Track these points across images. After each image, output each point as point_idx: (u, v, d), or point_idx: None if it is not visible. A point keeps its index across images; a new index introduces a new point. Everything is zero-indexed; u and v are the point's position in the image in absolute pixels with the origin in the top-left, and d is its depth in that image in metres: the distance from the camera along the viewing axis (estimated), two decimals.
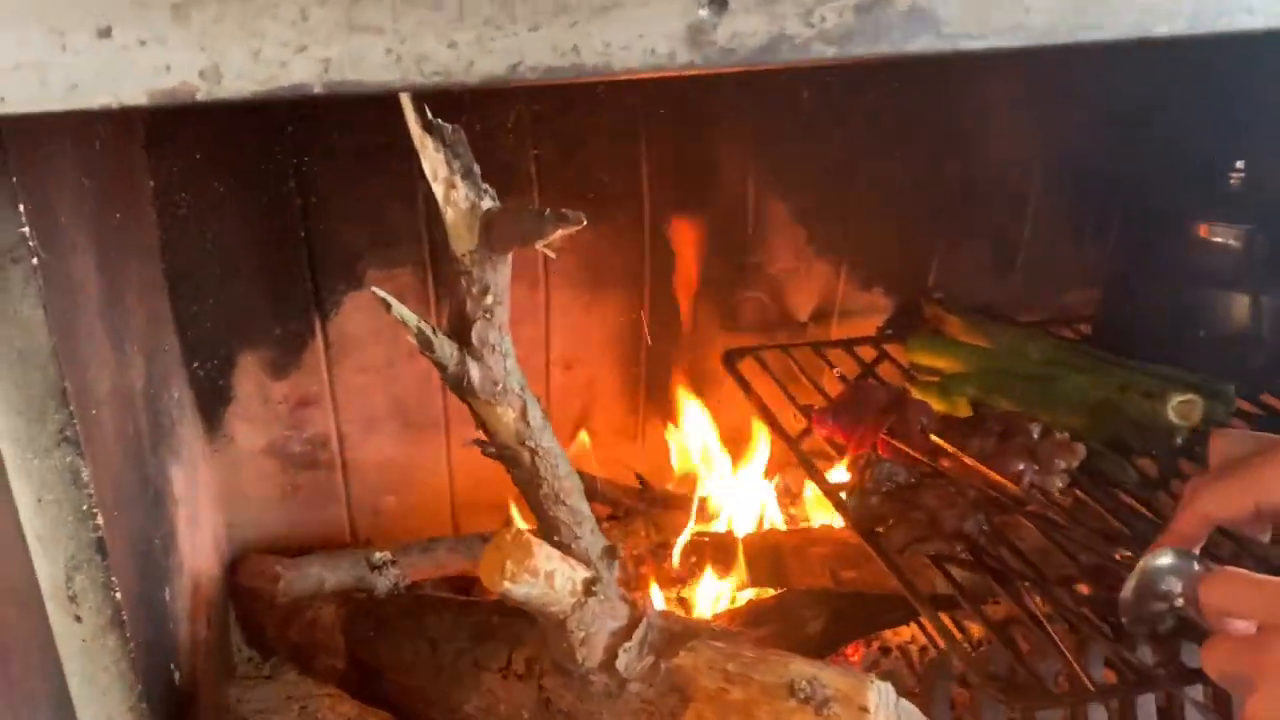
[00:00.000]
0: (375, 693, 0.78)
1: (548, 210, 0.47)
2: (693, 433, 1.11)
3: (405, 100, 0.45)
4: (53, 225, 0.56)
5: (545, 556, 0.50)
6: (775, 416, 1.00)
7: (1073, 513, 0.80)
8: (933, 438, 0.85)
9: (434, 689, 0.69)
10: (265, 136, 0.89)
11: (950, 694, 0.81)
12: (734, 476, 1.10)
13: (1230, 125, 1.01)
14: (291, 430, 1.00)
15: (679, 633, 0.60)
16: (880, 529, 0.80)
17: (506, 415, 0.51)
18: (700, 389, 1.12)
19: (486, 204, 0.48)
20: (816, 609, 0.91)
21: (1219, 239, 0.98)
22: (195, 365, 0.94)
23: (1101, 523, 0.81)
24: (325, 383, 0.99)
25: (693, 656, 0.59)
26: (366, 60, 0.38)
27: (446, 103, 0.49)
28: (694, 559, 0.98)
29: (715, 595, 0.98)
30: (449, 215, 0.48)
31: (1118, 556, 0.71)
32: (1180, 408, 0.89)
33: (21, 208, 0.47)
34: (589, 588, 0.53)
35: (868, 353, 1.10)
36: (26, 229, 0.48)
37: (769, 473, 1.11)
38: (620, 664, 0.58)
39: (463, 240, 0.48)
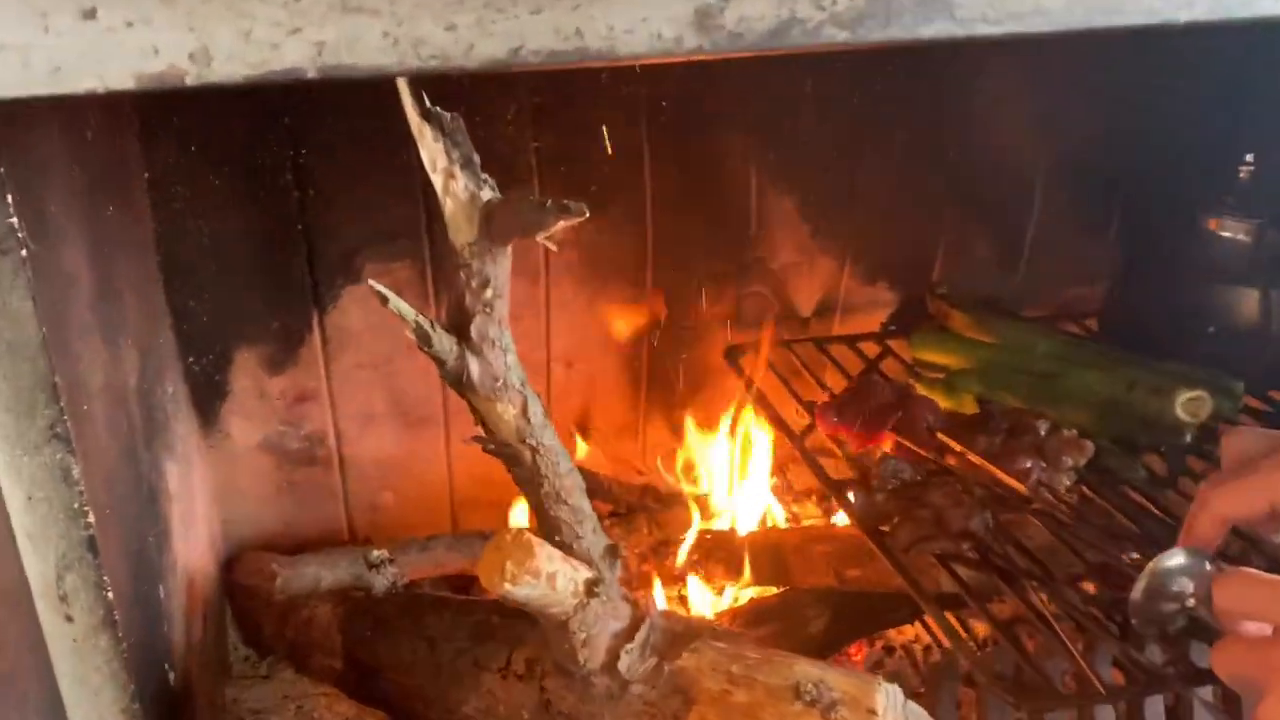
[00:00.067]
0: (373, 692, 0.77)
1: (549, 201, 0.45)
2: (695, 430, 1.10)
3: (403, 86, 0.44)
4: (42, 216, 0.54)
5: (546, 557, 0.48)
6: (778, 412, 0.99)
7: (1080, 511, 0.80)
8: (939, 435, 0.84)
9: (432, 689, 0.68)
10: (262, 128, 0.88)
11: (956, 694, 0.80)
12: (736, 474, 1.09)
13: (1240, 117, 1.00)
14: (288, 426, 0.99)
15: (682, 633, 0.59)
16: (886, 527, 0.79)
17: (507, 412, 0.50)
18: (703, 385, 1.11)
19: (486, 195, 0.47)
20: (819, 608, 0.90)
21: (1228, 233, 0.97)
22: (191, 360, 0.93)
23: (1109, 521, 0.80)
24: (323, 378, 0.98)
25: (696, 658, 0.57)
26: (362, 43, 0.37)
27: (445, 92, 0.48)
28: (696, 557, 0.97)
29: (717, 594, 0.97)
30: (448, 206, 0.47)
31: (1127, 559, 0.70)
32: (1189, 404, 0.88)
33: (10, 198, 0.46)
34: (591, 589, 0.52)
35: (871, 348, 1.09)
36: (15, 219, 0.46)
37: (772, 470, 1.10)
38: (622, 665, 0.56)
39: (462, 232, 0.47)
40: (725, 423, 1.10)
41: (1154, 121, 1.04)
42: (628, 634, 0.57)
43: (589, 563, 0.54)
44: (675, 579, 0.99)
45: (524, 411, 0.51)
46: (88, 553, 0.56)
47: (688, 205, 1.03)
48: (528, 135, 0.95)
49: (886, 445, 0.87)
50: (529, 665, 0.61)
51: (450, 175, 0.46)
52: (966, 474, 0.80)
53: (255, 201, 0.90)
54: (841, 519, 1.06)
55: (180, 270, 0.89)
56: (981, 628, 0.82)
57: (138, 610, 0.66)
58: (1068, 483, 0.82)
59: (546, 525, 0.54)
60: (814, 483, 1.04)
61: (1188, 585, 0.58)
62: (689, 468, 1.10)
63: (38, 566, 0.55)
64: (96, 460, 0.60)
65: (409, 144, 0.47)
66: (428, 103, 0.46)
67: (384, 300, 0.46)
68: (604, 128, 0.97)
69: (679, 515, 1.01)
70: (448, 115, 0.46)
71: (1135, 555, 0.67)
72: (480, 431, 0.54)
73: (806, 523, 1.09)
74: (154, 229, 0.87)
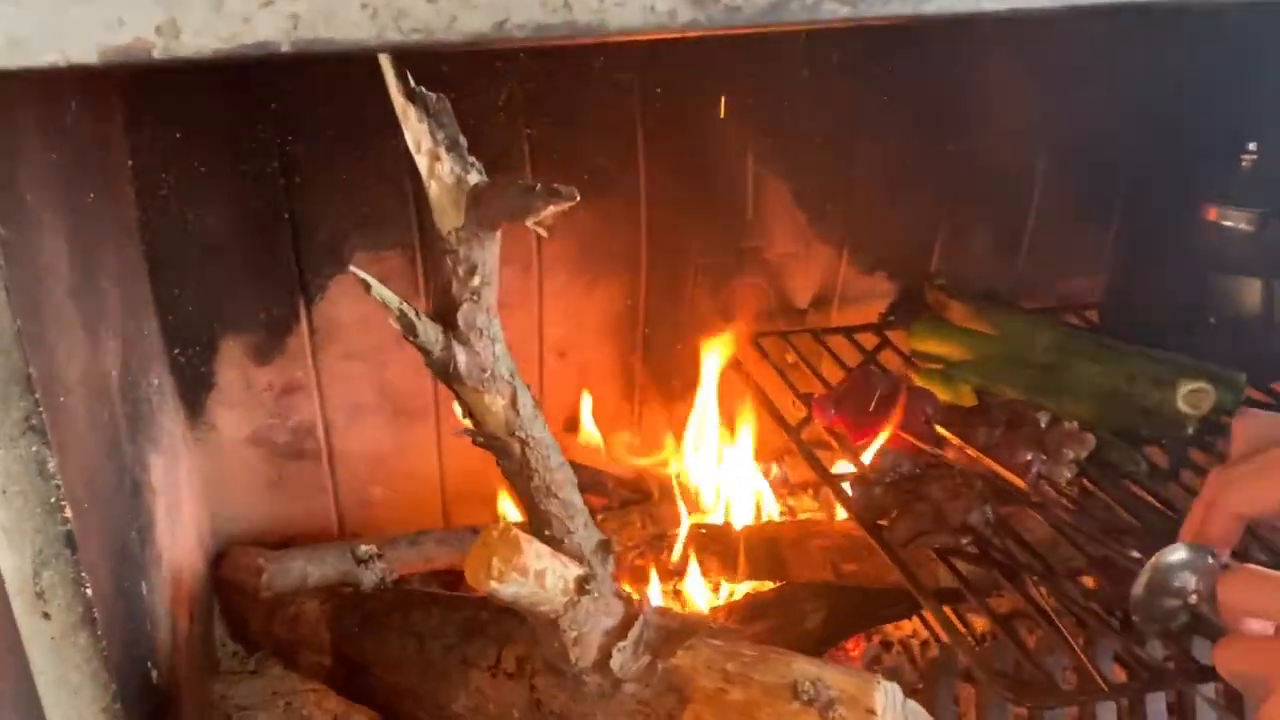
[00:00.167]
0: (361, 690, 0.76)
1: (538, 185, 0.44)
2: (690, 422, 1.09)
3: (386, 64, 0.42)
4: (16, 201, 0.53)
5: (535, 554, 0.47)
6: (775, 405, 0.97)
7: (1081, 504, 0.78)
8: (937, 428, 0.83)
9: (421, 687, 0.67)
10: (248, 114, 0.86)
11: (955, 690, 0.79)
12: (732, 467, 1.07)
13: (1242, 105, 0.98)
14: (276, 418, 0.97)
15: (676, 630, 0.58)
16: (884, 521, 0.78)
17: (495, 403, 0.48)
18: (697, 377, 1.09)
19: (474, 178, 0.46)
20: (816, 602, 0.89)
21: (1230, 222, 0.96)
22: (176, 351, 0.92)
23: (1110, 514, 0.79)
24: (311, 369, 0.96)
25: (691, 655, 0.56)
26: (339, 16, 0.35)
27: (435, 77, 0.46)
28: (691, 551, 0.96)
29: (712, 588, 0.96)
30: (433, 190, 0.45)
31: (1129, 554, 0.69)
32: (1191, 396, 0.87)
33: None
34: (582, 586, 0.51)
35: (869, 340, 1.08)
36: None
37: (768, 463, 1.09)
38: (615, 664, 0.55)
39: (448, 217, 0.45)
40: (722, 414, 1.09)
41: (1155, 110, 1.03)
42: (620, 631, 0.56)
43: (580, 559, 0.53)
44: (670, 574, 0.97)
45: (513, 403, 0.49)
46: (65, 548, 0.54)
47: (683, 193, 1.01)
48: (520, 123, 0.93)
49: (884, 438, 0.86)
50: (519, 663, 0.60)
51: (435, 157, 0.44)
52: (966, 467, 0.79)
53: (241, 189, 0.89)
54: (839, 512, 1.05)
55: (165, 259, 0.88)
56: (981, 623, 0.80)
57: (119, 606, 0.64)
58: (1068, 476, 0.81)
59: (536, 520, 0.53)
60: (811, 475, 1.03)
61: (1190, 581, 0.57)
62: (684, 461, 1.09)
63: (13, 562, 0.53)
64: (75, 453, 0.59)
65: (398, 130, 0.46)
66: (412, 82, 0.44)
67: (366, 287, 0.44)
68: (597, 115, 0.95)
69: (673, 509, 0.99)
70: (433, 96, 0.44)
71: (1136, 554, 0.66)
72: (469, 424, 0.52)
73: (803, 516, 1.08)
74: (139, 217, 0.86)
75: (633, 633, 0.56)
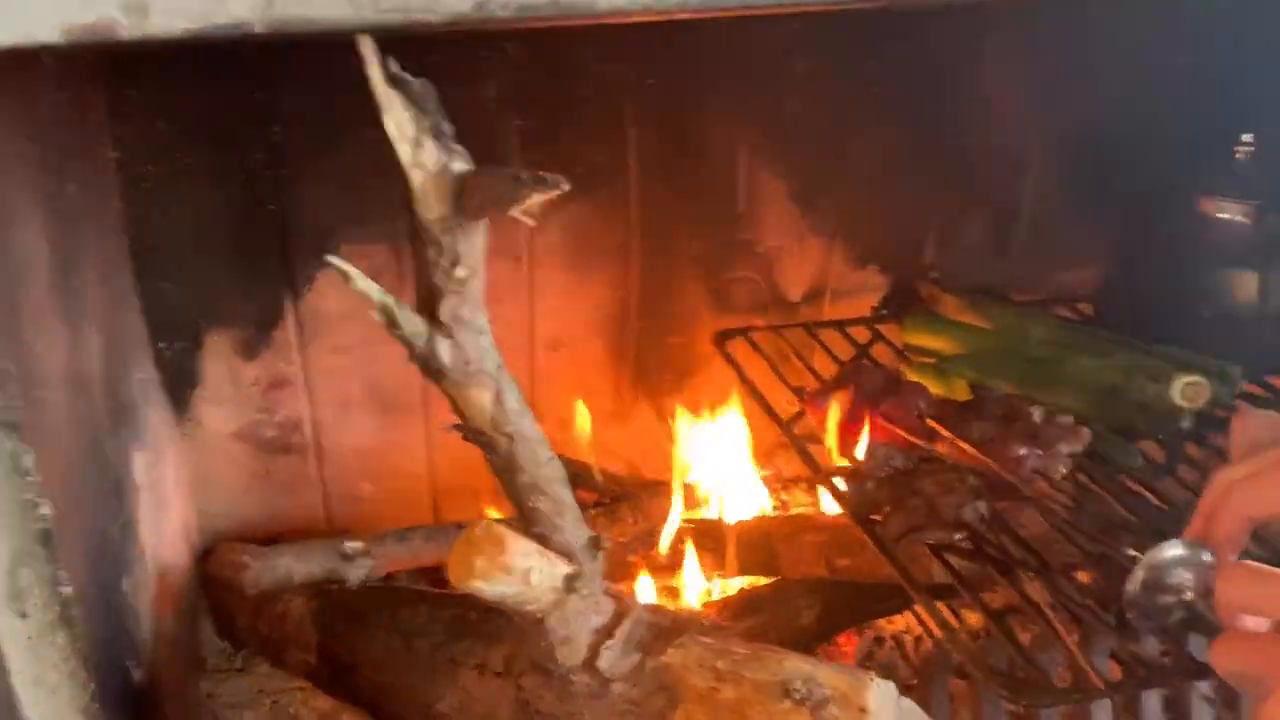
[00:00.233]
0: (348, 688, 0.75)
1: (524, 173, 0.43)
2: (682, 416, 1.08)
3: (366, 47, 0.41)
4: None
5: (521, 552, 0.46)
6: (767, 399, 0.96)
7: (1076, 499, 0.78)
8: (931, 422, 0.82)
9: (407, 686, 0.66)
10: (233, 106, 0.85)
11: (949, 688, 0.78)
12: (724, 461, 1.06)
13: (1238, 97, 0.97)
14: (263, 414, 0.96)
15: (667, 628, 0.57)
16: (877, 516, 0.77)
17: (480, 398, 0.47)
18: (690, 371, 1.08)
19: (458, 166, 0.44)
20: (809, 598, 0.88)
21: (1226, 215, 0.96)
22: (162, 345, 0.90)
23: (1106, 509, 0.78)
24: (298, 364, 0.95)
25: (681, 654, 0.55)
26: None
27: (424, 69, 0.45)
28: (683, 547, 0.95)
29: (705, 584, 0.95)
30: (416, 178, 0.44)
31: (1124, 550, 0.68)
32: (1186, 390, 0.86)
33: None
34: (570, 584, 0.50)
35: (861, 334, 1.07)
36: None
37: (761, 458, 1.08)
38: (604, 663, 0.54)
39: (431, 206, 0.44)
40: (714, 409, 1.08)
41: (1150, 102, 1.02)
42: (610, 630, 0.55)
43: (569, 556, 0.52)
44: (662, 570, 0.96)
45: (499, 398, 0.48)
46: (42, 547, 0.53)
47: (674, 186, 1.01)
48: (510, 114, 0.92)
49: (877, 432, 0.85)
50: (507, 662, 0.59)
51: (418, 144, 0.43)
52: (959, 462, 0.78)
53: (227, 181, 0.88)
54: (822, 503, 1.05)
55: (150, 253, 0.87)
56: (975, 619, 0.80)
57: (99, 605, 0.63)
58: (1063, 470, 0.80)
59: (524, 516, 0.52)
60: (804, 470, 1.02)
61: (1186, 577, 0.56)
62: (676, 455, 1.08)
63: None
64: (53, 450, 0.58)
65: None
66: (394, 66, 0.43)
67: (348, 279, 0.43)
68: (588, 108, 0.94)
69: (665, 505, 0.98)
70: (416, 81, 0.43)
71: (1131, 550, 0.65)
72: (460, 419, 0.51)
73: (796, 511, 1.07)
74: (122, 210, 0.85)
75: (622, 631, 0.55)
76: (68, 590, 0.55)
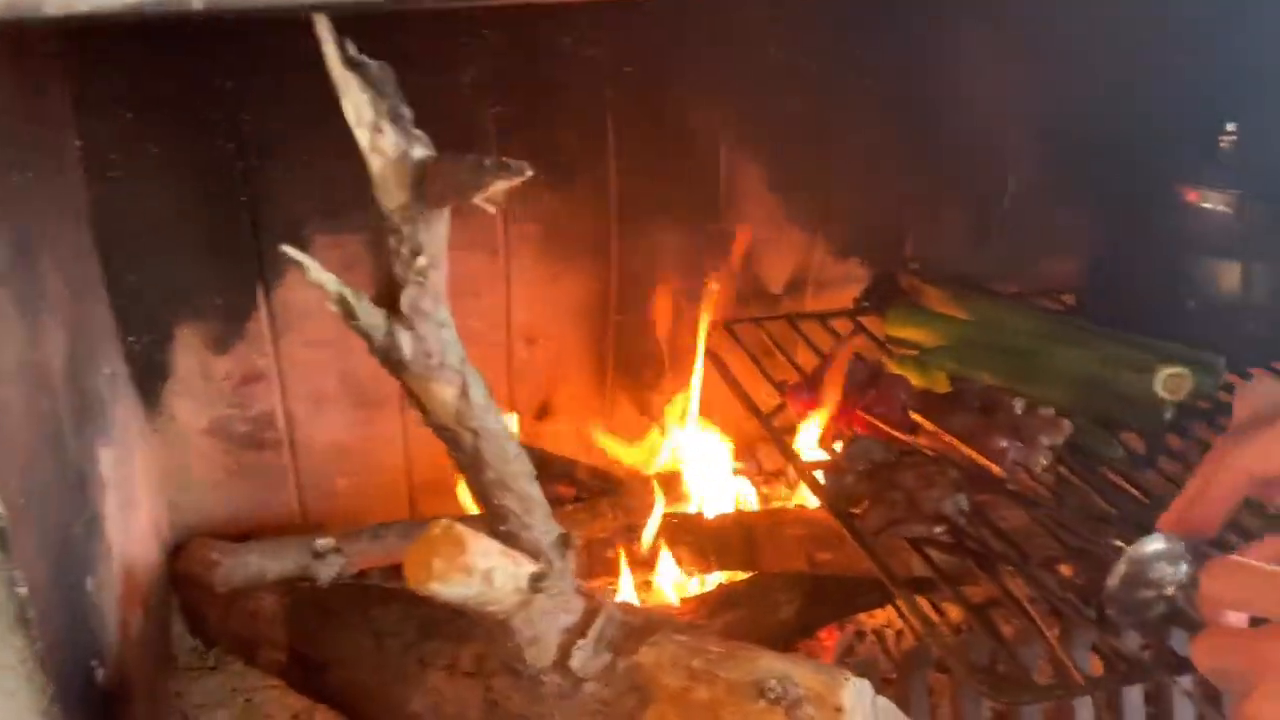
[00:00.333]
0: (320, 687, 0.74)
1: (487, 159, 0.41)
2: (662, 410, 1.07)
3: (322, 28, 0.39)
4: None
5: (481, 552, 0.45)
6: (748, 392, 0.95)
7: (1058, 492, 0.77)
8: (912, 414, 0.81)
9: (378, 685, 0.64)
10: (202, 94, 0.84)
11: (928, 682, 0.78)
12: (705, 455, 1.05)
13: (1221, 85, 0.97)
14: (235, 408, 0.95)
15: (640, 627, 0.55)
16: (857, 510, 0.76)
17: (444, 393, 0.46)
18: (669, 364, 1.07)
19: (419, 152, 0.43)
20: (790, 592, 0.88)
21: (1209, 204, 0.95)
22: (131, 339, 0.89)
23: (1087, 502, 0.77)
24: (271, 357, 0.94)
25: (654, 653, 0.54)
26: None
27: (396, 54, 0.43)
28: (662, 542, 0.94)
29: (684, 580, 0.94)
30: (375, 165, 0.42)
31: (1107, 543, 0.67)
32: (1169, 382, 0.85)
33: None
34: (535, 584, 0.48)
35: (844, 325, 1.06)
36: None
37: (741, 451, 1.07)
38: (575, 663, 0.53)
39: (391, 193, 0.43)
40: (694, 402, 1.07)
41: (1133, 91, 1.01)
42: (581, 629, 0.54)
43: (537, 554, 0.50)
44: (642, 565, 0.95)
45: (464, 392, 0.47)
46: None
47: (654, 175, 0.99)
48: (486, 100, 0.91)
49: (858, 425, 0.84)
50: (477, 662, 0.57)
51: (376, 130, 0.41)
52: (940, 454, 0.77)
53: (196, 170, 0.86)
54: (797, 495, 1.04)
55: (117, 244, 0.85)
56: (956, 612, 0.79)
57: (59, 605, 0.62)
58: (1044, 463, 0.80)
59: (491, 514, 0.51)
60: (784, 464, 1.01)
61: (1167, 572, 0.55)
62: (657, 449, 1.07)
63: None
64: (10, 447, 0.56)
65: None
66: (352, 49, 0.41)
67: (304, 269, 0.42)
68: (566, 96, 0.93)
69: (645, 499, 0.97)
70: (375, 63, 0.42)
71: (1115, 543, 0.64)
72: None
73: (776, 504, 1.06)
74: (89, 200, 0.83)
75: (593, 630, 0.54)
76: (23, 591, 0.53)
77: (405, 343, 0.44)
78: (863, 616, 0.95)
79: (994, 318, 1.00)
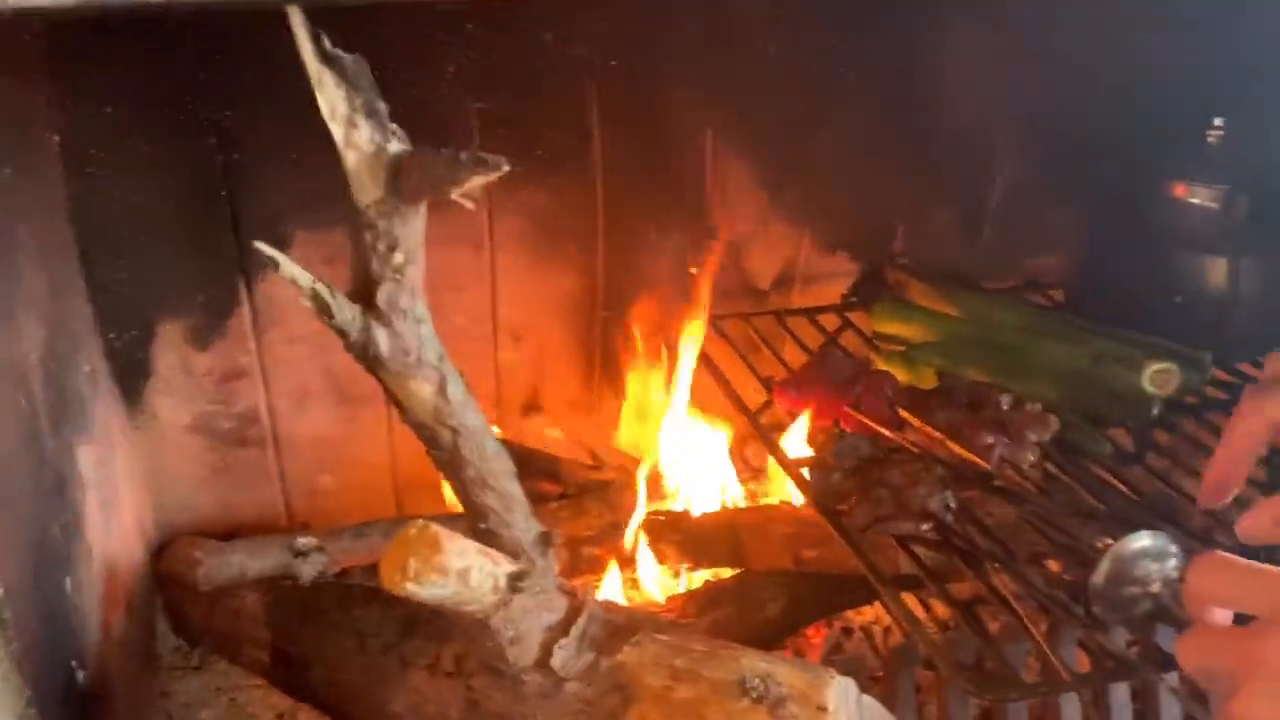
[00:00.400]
0: (302, 686, 0.73)
1: (464, 154, 0.41)
2: (649, 406, 1.06)
3: (296, 21, 0.39)
4: None
5: (457, 552, 0.44)
6: (734, 389, 0.95)
7: (1045, 488, 0.77)
8: (899, 410, 0.81)
9: (360, 685, 0.64)
10: (182, 88, 0.82)
11: (915, 680, 0.77)
12: (692, 451, 1.05)
13: (1208, 80, 0.96)
14: (218, 405, 0.94)
15: (622, 626, 0.55)
16: (843, 507, 0.75)
17: (422, 390, 0.46)
18: (656, 360, 1.06)
19: (394, 147, 0.42)
20: (776, 590, 0.87)
21: (1196, 199, 0.94)
22: (111, 335, 0.88)
23: (1074, 498, 0.77)
24: (253, 353, 0.93)
25: (637, 652, 0.53)
26: None
27: (378, 46, 0.43)
28: (647, 539, 0.93)
29: (670, 578, 0.93)
30: (350, 160, 0.42)
31: (1095, 540, 0.67)
32: (1156, 377, 0.85)
33: None
34: (514, 583, 0.48)
35: (831, 321, 1.06)
36: None
37: (728, 448, 1.07)
38: (556, 662, 0.52)
39: (366, 189, 0.42)
40: (681, 398, 1.06)
41: (1121, 87, 1.01)
42: (563, 628, 0.53)
43: (517, 553, 0.50)
44: (628, 562, 0.95)
45: (442, 389, 0.46)
46: None
47: (640, 171, 0.99)
48: (469, 96, 0.90)
49: (844, 421, 0.84)
50: (458, 662, 0.57)
51: (352, 124, 0.41)
52: (927, 450, 0.77)
53: (176, 165, 0.85)
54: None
55: (97, 240, 0.84)
56: (943, 609, 0.79)
57: (37, 606, 0.61)
58: (1032, 459, 0.79)
59: (472, 512, 0.50)
60: (771, 460, 1.01)
61: (1152, 569, 0.55)
62: (643, 445, 1.06)
63: None
64: None
65: None
66: (327, 43, 0.41)
67: (276, 265, 0.41)
68: (551, 89, 0.92)
69: (631, 496, 0.96)
70: (349, 57, 0.41)
71: (1103, 539, 0.64)
72: None
73: (763, 501, 1.06)
74: (67, 195, 0.82)
75: (576, 629, 0.53)
76: None
77: (382, 339, 0.43)
78: (850, 614, 0.95)
79: (982, 313, 1.00)
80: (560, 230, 0.99)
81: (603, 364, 1.07)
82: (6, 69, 0.69)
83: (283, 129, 0.85)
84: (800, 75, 0.98)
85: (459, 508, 0.92)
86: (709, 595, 0.88)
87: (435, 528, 0.44)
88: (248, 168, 0.86)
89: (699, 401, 1.06)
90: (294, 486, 1.00)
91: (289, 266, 0.41)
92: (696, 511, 0.98)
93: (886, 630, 0.94)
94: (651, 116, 0.97)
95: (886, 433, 0.79)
